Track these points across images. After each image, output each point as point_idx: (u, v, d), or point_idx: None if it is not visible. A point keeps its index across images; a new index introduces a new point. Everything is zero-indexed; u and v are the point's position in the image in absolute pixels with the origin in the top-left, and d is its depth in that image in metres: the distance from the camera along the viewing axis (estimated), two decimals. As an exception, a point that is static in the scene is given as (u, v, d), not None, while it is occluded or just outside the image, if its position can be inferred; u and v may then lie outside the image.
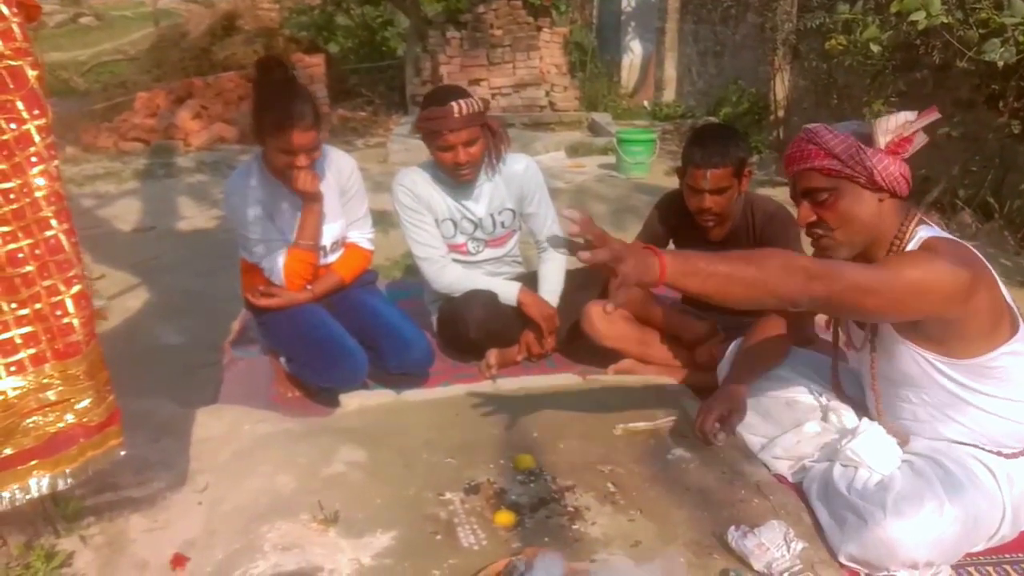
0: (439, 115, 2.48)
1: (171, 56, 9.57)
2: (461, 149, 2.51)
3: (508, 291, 2.67)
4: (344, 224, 2.56)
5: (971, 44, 3.74)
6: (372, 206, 2.71)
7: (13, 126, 1.38)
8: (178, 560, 1.59)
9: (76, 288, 1.45)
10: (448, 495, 1.79)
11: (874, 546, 1.54)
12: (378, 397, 2.34)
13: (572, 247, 1.37)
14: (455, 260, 2.73)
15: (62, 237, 1.43)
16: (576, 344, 2.70)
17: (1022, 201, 4.30)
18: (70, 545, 1.65)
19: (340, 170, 2.53)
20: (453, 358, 2.76)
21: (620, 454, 1.97)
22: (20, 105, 1.39)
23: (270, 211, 2.43)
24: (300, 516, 1.70)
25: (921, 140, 1.59)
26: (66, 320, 1.44)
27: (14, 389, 1.43)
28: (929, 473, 1.63)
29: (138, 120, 7.59)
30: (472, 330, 2.58)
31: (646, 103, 9.55)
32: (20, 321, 1.42)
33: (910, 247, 1.60)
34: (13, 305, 1.42)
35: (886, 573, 1.56)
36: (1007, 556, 1.66)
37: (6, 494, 1.46)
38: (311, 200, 2.37)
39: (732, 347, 2.18)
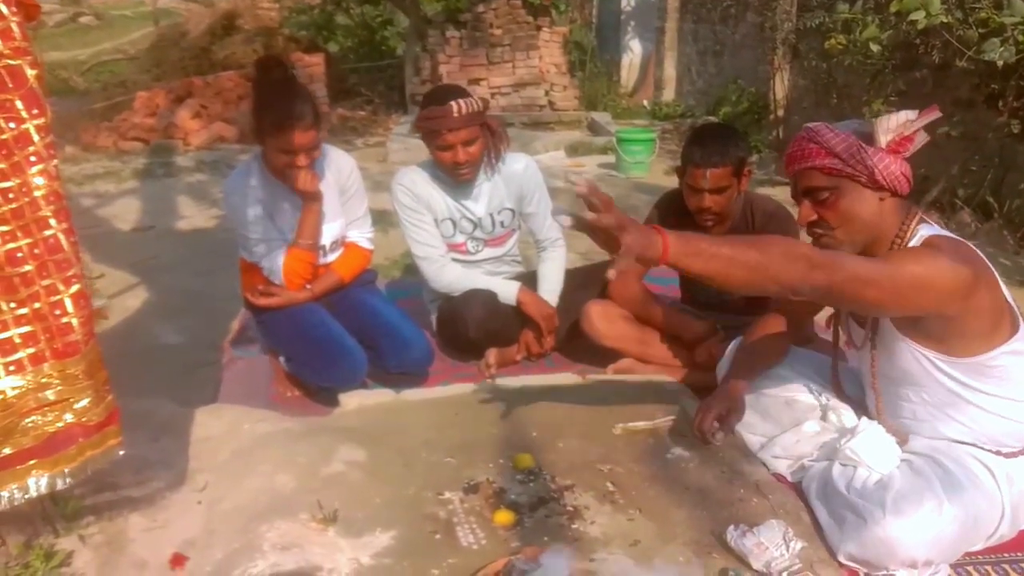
0: (438, 114, 2.48)
1: (171, 55, 9.57)
2: (460, 148, 2.51)
3: (507, 290, 2.67)
4: (343, 223, 2.56)
5: (971, 43, 3.74)
6: (371, 205, 2.70)
7: (12, 125, 1.38)
8: (177, 559, 1.59)
9: (75, 287, 1.45)
10: (447, 494, 1.80)
11: (873, 545, 1.55)
12: (377, 396, 2.34)
13: (578, 222, 1.36)
14: (454, 259, 2.73)
15: (61, 236, 1.43)
16: (575, 343, 2.70)
17: (1021, 200, 4.30)
18: (69, 544, 1.65)
19: (340, 169, 2.53)
20: (452, 357, 2.76)
21: (619, 453, 1.98)
22: (19, 104, 1.39)
23: (270, 211, 2.43)
24: (299, 515, 1.70)
25: (922, 139, 1.59)
26: (65, 320, 1.44)
27: (13, 388, 1.43)
28: (928, 472, 1.63)
29: (137, 119, 7.59)
30: (471, 329, 2.58)
31: (646, 102, 9.55)
32: (19, 320, 1.42)
33: (911, 245, 1.60)
34: (12, 304, 1.42)
35: (885, 572, 1.56)
36: (1006, 555, 1.67)
37: (5, 494, 1.46)
38: (310, 199, 2.37)
39: (731, 346, 2.18)
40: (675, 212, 2.52)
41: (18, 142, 1.39)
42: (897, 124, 1.57)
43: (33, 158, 1.40)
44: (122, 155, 7.03)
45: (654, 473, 1.89)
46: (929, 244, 1.57)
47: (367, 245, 2.65)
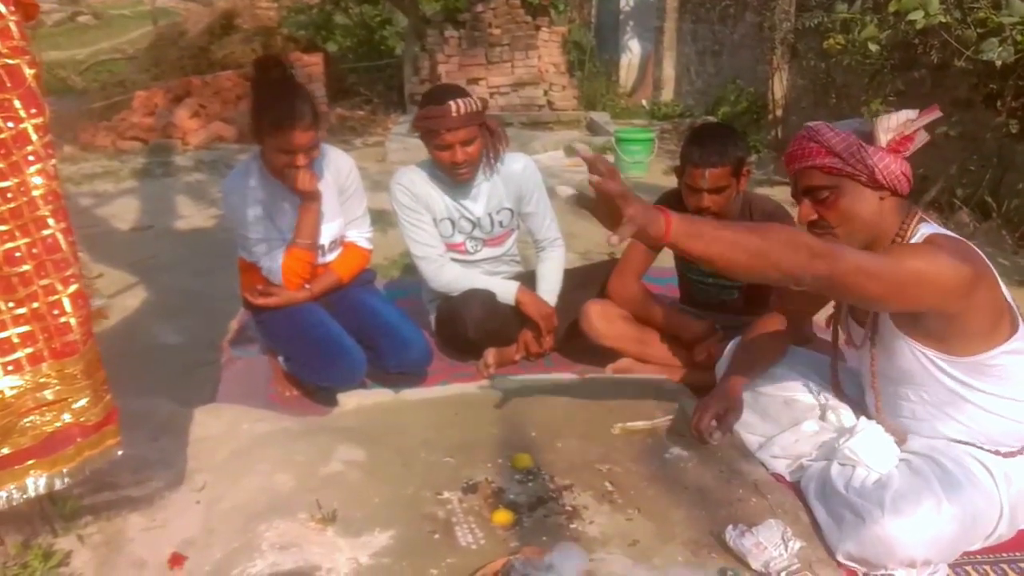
0: (437, 114, 2.48)
1: (169, 55, 9.55)
2: (459, 148, 2.51)
3: (506, 290, 2.67)
4: (342, 223, 2.56)
5: (969, 43, 3.74)
6: (370, 205, 2.70)
7: (10, 125, 1.38)
8: (176, 559, 1.59)
9: (73, 287, 1.45)
10: (446, 494, 1.80)
11: (872, 544, 1.55)
12: (376, 396, 2.34)
13: (583, 200, 1.35)
14: (453, 259, 2.73)
15: (59, 236, 1.43)
16: (574, 343, 2.70)
17: (1020, 200, 4.30)
18: (68, 544, 1.64)
19: (338, 169, 2.53)
20: (451, 357, 2.76)
21: (618, 453, 1.98)
22: (17, 104, 1.38)
23: (269, 210, 2.42)
24: (298, 515, 1.70)
25: (922, 138, 1.59)
26: (63, 319, 1.44)
27: (11, 388, 1.43)
28: (927, 472, 1.63)
29: (136, 119, 7.58)
30: (470, 329, 2.58)
31: (644, 102, 9.55)
32: (17, 320, 1.42)
33: (912, 243, 1.61)
34: (10, 304, 1.41)
35: (884, 572, 1.56)
36: (1004, 555, 1.67)
37: (3, 494, 1.46)
38: (309, 199, 2.37)
39: (730, 346, 2.18)
40: (675, 211, 2.51)
41: (16, 141, 1.39)
42: (897, 123, 1.57)
43: (31, 157, 1.40)
44: (120, 154, 7.03)
45: (653, 473, 1.90)
46: (931, 242, 1.57)
47: (366, 245, 2.65)
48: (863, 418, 1.81)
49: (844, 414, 1.90)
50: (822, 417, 1.94)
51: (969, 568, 1.64)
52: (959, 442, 1.70)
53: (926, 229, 1.62)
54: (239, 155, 6.39)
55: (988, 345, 1.60)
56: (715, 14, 8.31)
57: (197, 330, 3.12)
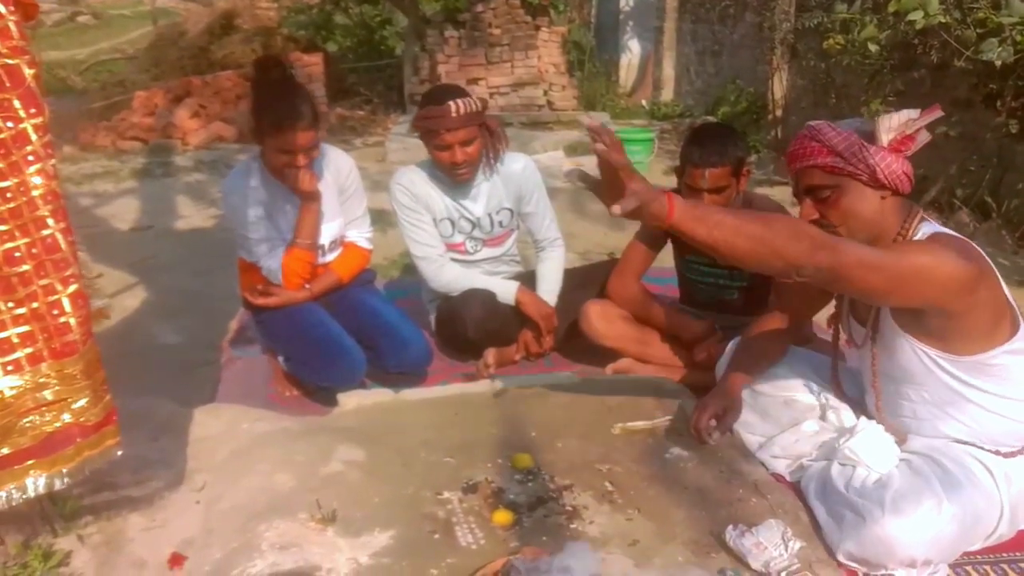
0: (436, 114, 2.48)
1: (169, 55, 9.54)
2: (458, 148, 2.51)
3: (506, 290, 2.67)
4: (342, 223, 2.56)
5: (969, 44, 3.74)
6: (370, 205, 2.70)
7: (10, 124, 1.38)
8: (176, 559, 1.59)
9: (73, 287, 1.45)
10: (446, 494, 1.79)
11: (872, 544, 1.55)
12: (376, 396, 2.34)
13: (585, 177, 1.34)
14: (453, 259, 2.73)
15: (59, 236, 1.43)
16: (574, 343, 2.70)
17: (1020, 200, 4.30)
18: (68, 544, 1.64)
19: (338, 169, 2.53)
20: (451, 357, 2.76)
21: (618, 453, 1.97)
22: (17, 104, 1.38)
23: (269, 210, 2.42)
24: (298, 515, 1.70)
25: (924, 138, 1.59)
26: (63, 319, 1.44)
27: (11, 388, 1.43)
28: (927, 472, 1.63)
29: (136, 119, 7.57)
30: (470, 329, 2.58)
31: (644, 102, 9.54)
32: (17, 320, 1.42)
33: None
34: (10, 304, 1.41)
35: (884, 572, 1.56)
36: (1005, 555, 1.67)
37: (3, 494, 1.46)
38: (309, 199, 2.37)
39: (730, 346, 2.18)
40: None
41: (16, 141, 1.39)
42: (899, 123, 1.57)
43: (31, 157, 1.40)
44: (120, 154, 7.03)
45: (653, 473, 1.89)
46: (934, 240, 1.57)
47: (366, 245, 2.65)
48: (863, 418, 1.81)
49: (844, 414, 1.90)
50: (822, 417, 1.94)
51: (969, 568, 1.64)
52: (960, 442, 1.70)
53: (928, 228, 1.62)
54: (239, 155, 6.39)
55: (989, 344, 1.60)
56: (715, 14, 8.31)
57: (197, 330, 3.12)
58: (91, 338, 1.49)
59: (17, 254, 1.41)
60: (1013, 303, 1.62)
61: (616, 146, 1.32)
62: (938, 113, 1.57)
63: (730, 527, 1.62)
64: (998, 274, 1.60)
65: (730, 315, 2.54)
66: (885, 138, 1.58)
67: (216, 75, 8.21)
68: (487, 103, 5.37)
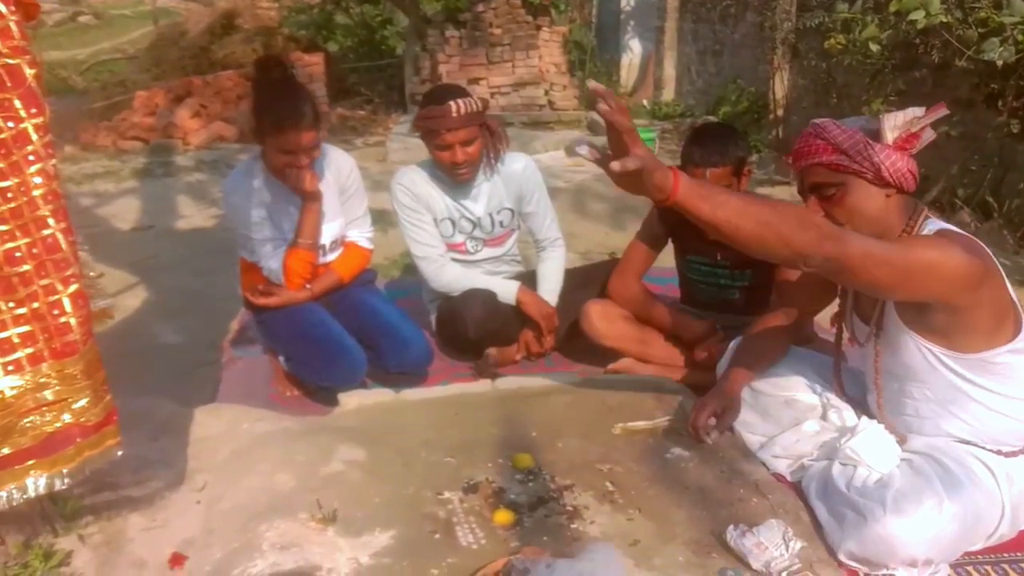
0: (437, 114, 2.48)
1: (170, 55, 9.55)
2: (459, 148, 2.51)
3: (507, 290, 2.67)
4: (343, 223, 2.56)
5: (970, 43, 3.74)
6: (371, 205, 2.70)
7: (11, 124, 1.38)
8: (176, 559, 1.59)
9: (73, 287, 1.45)
10: (447, 494, 1.79)
11: (873, 543, 1.54)
12: (377, 396, 2.34)
13: (595, 150, 1.32)
14: (454, 259, 2.73)
15: (59, 236, 1.43)
16: (575, 343, 2.70)
17: (1021, 200, 4.30)
18: (68, 544, 1.64)
19: (339, 169, 2.53)
20: (452, 357, 2.76)
21: (619, 453, 1.97)
22: (18, 103, 1.38)
23: (270, 210, 2.42)
24: (299, 515, 1.70)
25: (929, 136, 1.59)
26: (63, 319, 1.44)
27: (11, 388, 1.43)
28: (928, 471, 1.63)
29: (137, 119, 7.58)
30: (471, 329, 2.58)
31: (645, 102, 9.54)
32: (17, 320, 1.42)
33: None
34: (10, 304, 1.41)
35: (885, 571, 1.56)
36: (1005, 555, 1.67)
37: (3, 494, 1.46)
38: (310, 199, 2.37)
39: (731, 346, 2.18)
40: (674, 212, 2.50)
41: (16, 141, 1.39)
42: (904, 121, 1.58)
43: (31, 157, 1.40)
44: (121, 154, 7.03)
45: (653, 473, 1.89)
46: (942, 235, 1.57)
47: (367, 245, 2.65)
48: (864, 418, 1.81)
49: (846, 414, 1.90)
50: (823, 417, 1.93)
51: (970, 568, 1.64)
52: (961, 441, 1.69)
53: (933, 225, 1.62)
54: (240, 155, 6.39)
55: (993, 343, 1.60)
56: (716, 14, 8.30)
57: (198, 330, 3.12)
58: (92, 338, 1.49)
59: (18, 254, 1.41)
60: (1017, 303, 1.62)
61: (621, 110, 1.30)
62: (943, 111, 1.57)
63: (731, 527, 1.62)
64: (1003, 273, 1.60)
65: (731, 315, 2.54)
66: (890, 136, 1.58)
67: (217, 75, 8.21)
68: (488, 103, 5.35)
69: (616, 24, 10.41)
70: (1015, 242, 4.16)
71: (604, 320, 2.54)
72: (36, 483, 1.47)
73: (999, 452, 1.67)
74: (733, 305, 2.56)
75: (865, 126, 1.63)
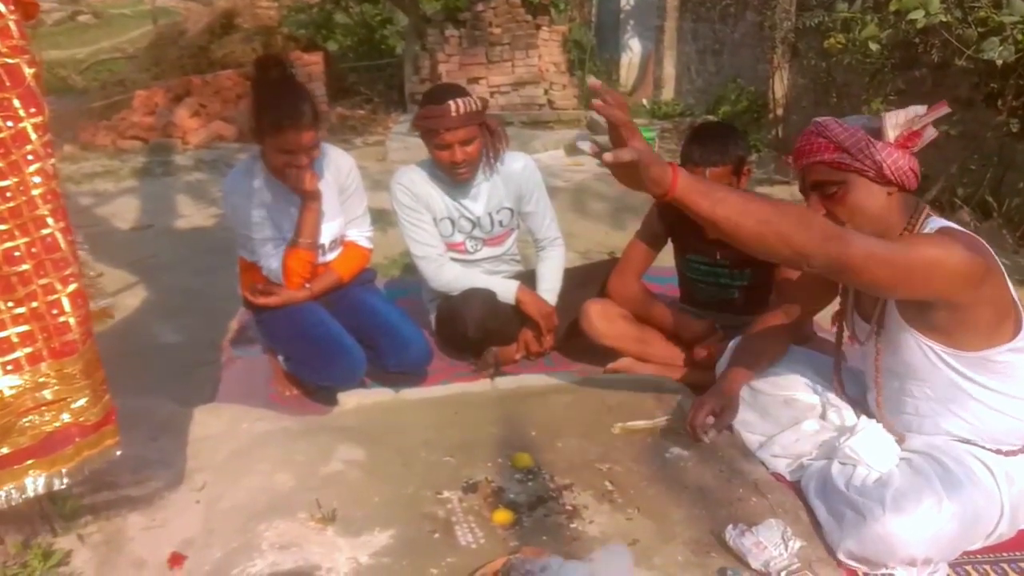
0: (436, 114, 2.48)
1: (169, 54, 9.55)
2: (458, 148, 2.51)
3: (506, 289, 2.67)
4: (342, 222, 2.56)
5: (970, 42, 3.73)
6: (370, 204, 2.70)
7: (10, 124, 1.38)
8: (176, 559, 1.59)
9: (72, 287, 1.45)
10: (446, 494, 1.79)
11: (872, 542, 1.54)
12: (376, 396, 2.33)
13: (597, 148, 1.32)
14: (453, 259, 2.72)
15: (58, 235, 1.43)
16: (574, 342, 2.70)
17: (1021, 199, 4.30)
18: (67, 544, 1.64)
19: (339, 168, 2.53)
20: (451, 357, 2.76)
21: (618, 452, 1.97)
22: (16, 103, 1.38)
23: (270, 210, 2.42)
24: (298, 515, 1.70)
25: (930, 134, 1.59)
26: (62, 319, 1.44)
27: (10, 388, 1.43)
28: (928, 470, 1.63)
29: (136, 118, 7.58)
30: (471, 328, 2.58)
31: (645, 101, 9.53)
32: (16, 319, 1.42)
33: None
34: (9, 303, 1.41)
35: (884, 570, 1.56)
36: (1005, 555, 1.67)
37: (2, 493, 1.46)
38: (310, 199, 2.37)
39: (731, 345, 2.18)
40: (674, 211, 2.50)
41: (15, 141, 1.38)
42: (906, 119, 1.58)
43: (30, 157, 1.40)
44: (121, 154, 7.03)
45: (653, 472, 1.89)
46: (944, 232, 1.57)
47: (366, 244, 2.65)
48: (864, 417, 1.81)
49: (845, 413, 1.90)
50: (822, 416, 1.94)
51: (969, 568, 1.64)
52: (961, 440, 1.70)
53: (935, 223, 1.62)
54: (239, 154, 6.39)
55: (994, 341, 1.60)
56: (716, 13, 8.30)
57: (197, 329, 3.12)
58: (91, 338, 1.49)
59: (17, 253, 1.41)
60: (1018, 302, 1.62)
61: (619, 105, 1.29)
62: (945, 110, 1.57)
63: (730, 526, 1.62)
64: (1004, 271, 1.60)
65: (730, 314, 2.54)
66: (892, 134, 1.58)
67: (216, 74, 8.21)
68: (487, 102, 5.35)
69: (616, 23, 10.41)
70: (1014, 241, 4.16)
71: (603, 319, 2.54)
72: (35, 483, 1.47)
73: (998, 451, 1.67)
74: (732, 304, 2.56)
75: (867, 124, 1.63)
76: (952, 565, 1.62)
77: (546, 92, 8.52)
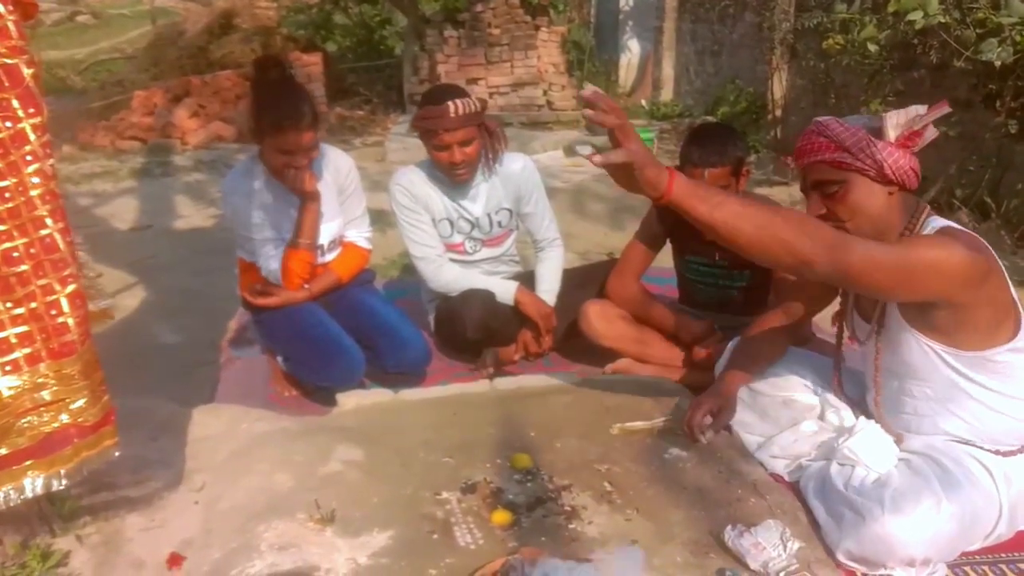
0: (435, 114, 2.48)
1: (168, 54, 9.54)
2: (457, 149, 2.51)
3: (505, 290, 2.67)
4: (342, 223, 2.56)
5: (968, 44, 3.74)
6: (369, 205, 2.70)
7: (8, 124, 1.38)
8: (175, 559, 1.59)
9: (71, 287, 1.45)
10: (445, 494, 1.79)
11: (871, 542, 1.55)
12: (375, 396, 2.33)
13: (599, 154, 1.31)
14: (452, 259, 2.73)
15: (57, 236, 1.43)
16: (573, 343, 2.70)
17: (1019, 200, 4.30)
18: (66, 544, 1.64)
19: (338, 169, 2.53)
20: (450, 357, 2.76)
21: (617, 453, 1.97)
22: (15, 103, 1.38)
23: (270, 211, 2.42)
24: (297, 515, 1.70)
25: (931, 134, 1.60)
26: (61, 319, 1.44)
27: (9, 388, 1.43)
28: (927, 471, 1.63)
29: (135, 119, 7.58)
30: (470, 329, 2.58)
31: (644, 102, 9.54)
32: (15, 320, 1.42)
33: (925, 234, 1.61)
34: (8, 304, 1.41)
35: (883, 571, 1.56)
36: (1003, 555, 1.67)
37: (0, 494, 1.46)
38: (309, 199, 2.37)
39: (730, 346, 2.18)
40: (673, 212, 2.51)
41: (14, 141, 1.38)
42: (907, 118, 1.58)
43: (29, 157, 1.40)
44: (120, 154, 7.03)
45: (652, 473, 1.89)
46: (944, 233, 1.58)
47: (365, 245, 2.65)
48: (862, 418, 1.81)
49: (844, 414, 1.90)
50: (821, 417, 1.94)
51: (968, 568, 1.64)
52: (959, 440, 1.70)
53: (936, 223, 1.63)
54: (238, 155, 6.40)
55: (994, 341, 1.60)
56: (714, 14, 8.31)
57: (196, 330, 3.12)
58: (89, 338, 1.49)
59: (15, 254, 1.41)
60: (1018, 302, 1.63)
61: (613, 109, 1.29)
62: (946, 109, 1.57)
63: (729, 527, 1.62)
64: (1005, 271, 1.61)
65: (729, 315, 2.54)
66: (893, 134, 1.58)
67: (215, 75, 8.21)
68: (486, 103, 5.35)
69: (615, 24, 10.42)
70: (1012, 242, 4.17)
71: (602, 320, 2.54)
72: (34, 483, 1.47)
73: (997, 452, 1.67)
74: (731, 305, 2.56)
75: (868, 124, 1.63)
76: (951, 566, 1.62)
77: (545, 93, 8.53)
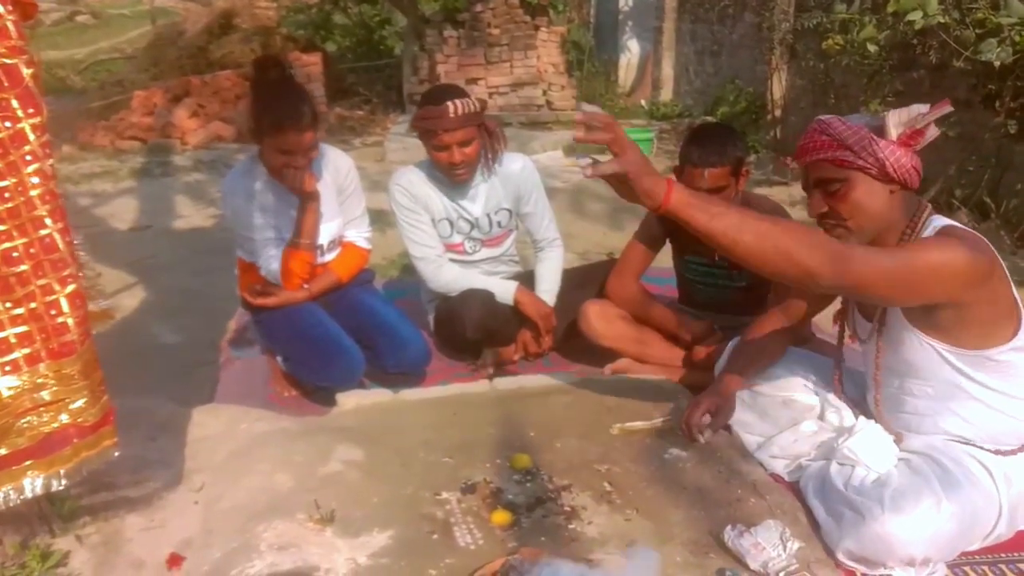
0: (435, 114, 2.48)
1: (168, 54, 9.54)
2: (456, 149, 2.51)
3: (505, 290, 2.67)
4: (341, 223, 2.56)
5: (968, 44, 3.74)
6: (369, 205, 2.70)
7: (8, 124, 1.38)
8: (174, 559, 1.59)
9: (71, 287, 1.44)
10: (445, 494, 1.79)
11: (871, 541, 1.55)
12: (375, 396, 2.34)
13: (597, 166, 1.32)
14: (452, 260, 2.72)
15: (56, 236, 1.43)
16: (573, 343, 2.70)
17: (1018, 200, 4.30)
18: (66, 545, 1.64)
19: (337, 169, 2.53)
20: (450, 357, 2.76)
21: (617, 453, 1.97)
22: (15, 103, 1.38)
23: (269, 211, 2.42)
24: (297, 515, 1.70)
25: (933, 133, 1.60)
26: (61, 319, 1.44)
27: (9, 389, 1.43)
28: (926, 470, 1.63)
29: (135, 118, 7.57)
30: (469, 329, 2.58)
31: (643, 102, 9.54)
32: (15, 320, 1.42)
33: (925, 235, 1.61)
34: (8, 304, 1.41)
35: (883, 571, 1.56)
36: (1003, 555, 1.67)
37: (0, 494, 1.46)
38: (308, 199, 2.37)
39: (729, 346, 2.18)
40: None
41: (14, 141, 1.38)
42: (909, 117, 1.58)
43: (29, 157, 1.39)
44: (119, 154, 7.02)
45: (651, 473, 1.89)
46: (946, 233, 1.58)
47: (365, 245, 2.65)
48: (862, 418, 1.82)
49: (844, 414, 1.90)
50: (821, 417, 1.94)
51: (968, 568, 1.64)
52: (959, 439, 1.70)
53: (938, 222, 1.63)
54: (238, 155, 6.39)
55: (996, 340, 1.60)
56: (714, 14, 8.31)
57: (196, 330, 3.12)
58: (89, 338, 1.49)
59: (15, 254, 1.41)
60: (1019, 301, 1.63)
61: (606, 124, 1.30)
62: (948, 108, 1.57)
63: (728, 527, 1.62)
64: (1006, 271, 1.61)
65: (729, 315, 2.54)
66: (894, 132, 1.58)
67: (215, 75, 8.20)
68: (486, 103, 5.34)
69: (614, 24, 10.42)
70: (1012, 242, 4.17)
71: (602, 320, 2.54)
72: (33, 484, 1.47)
73: (997, 451, 1.67)
74: (731, 305, 2.56)
75: (870, 122, 1.63)
76: (950, 566, 1.62)
77: (545, 93, 8.52)
